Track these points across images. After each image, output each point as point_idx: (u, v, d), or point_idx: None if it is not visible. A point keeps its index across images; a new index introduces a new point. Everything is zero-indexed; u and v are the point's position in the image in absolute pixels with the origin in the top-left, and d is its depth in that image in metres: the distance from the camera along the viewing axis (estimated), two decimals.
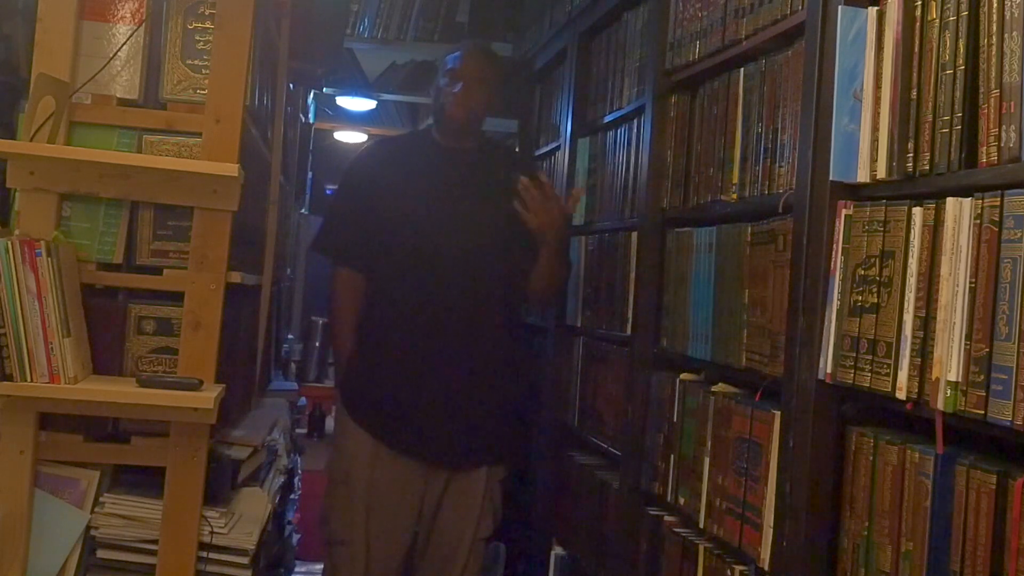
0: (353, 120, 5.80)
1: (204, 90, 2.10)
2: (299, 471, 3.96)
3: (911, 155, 1.46)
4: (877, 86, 1.55)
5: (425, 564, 2.74)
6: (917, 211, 1.42)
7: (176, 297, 2.10)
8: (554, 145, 3.47)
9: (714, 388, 2.08)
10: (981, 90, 1.33)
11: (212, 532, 2.09)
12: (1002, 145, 1.28)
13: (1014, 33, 1.27)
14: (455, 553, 2.71)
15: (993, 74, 1.31)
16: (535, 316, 3.54)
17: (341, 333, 2.79)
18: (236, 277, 2.14)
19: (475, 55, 2.76)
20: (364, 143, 5.59)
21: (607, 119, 2.91)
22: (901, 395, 1.42)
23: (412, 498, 2.67)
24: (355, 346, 2.74)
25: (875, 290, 1.50)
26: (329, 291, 2.81)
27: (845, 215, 1.59)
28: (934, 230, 1.38)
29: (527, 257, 2.68)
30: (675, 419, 2.26)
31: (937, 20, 1.42)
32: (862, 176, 1.58)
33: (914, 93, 1.46)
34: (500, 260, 2.69)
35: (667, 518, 2.28)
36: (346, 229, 2.76)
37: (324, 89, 4.56)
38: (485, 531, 2.75)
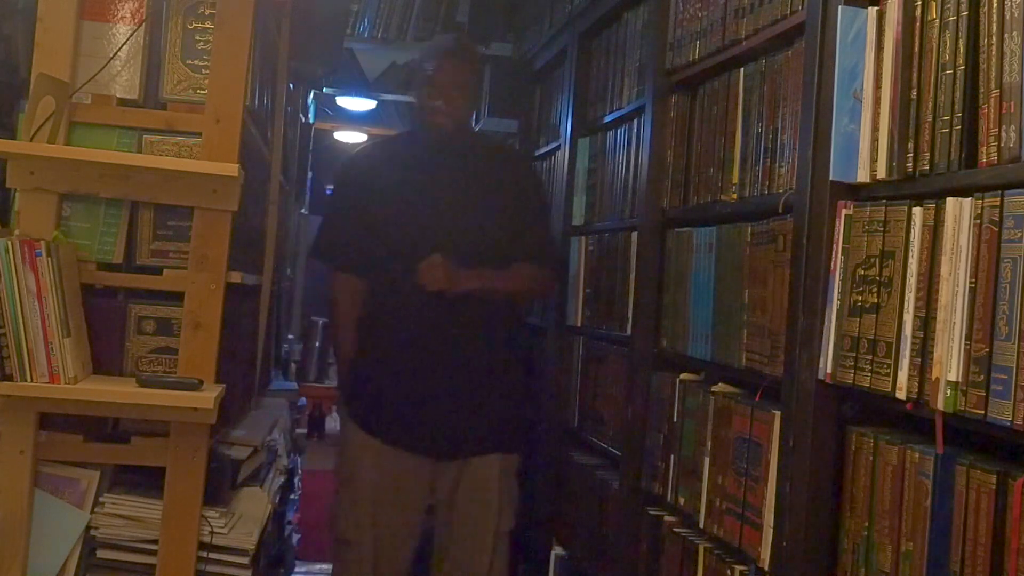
0: (353, 120, 5.81)
1: (204, 90, 2.10)
2: (299, 471, 3.97)
3: (911, 155, 1.46)
4: (877, 86, 1.55)
5: (449, 564, 2.69)
6: (917, 211, 1.42)
7: (176, 297, 2.09)
8: (554, 145, 3.47)
9: (714, 388, 2.08)
10: (981, 90, 1.33)
11: (212, 532, 2.09)
12: (1002, 145, 1.28)
13: (1014, 33, 1.27)
14: (480, 547, 2.65)
15: (993, 74, 1.31)
16: (535, 316, 3.54)
17: (342, 337, 2.78)
18: (236, 277, 2.14)
19: (451, 61, 2.64)
20: (364, 143, 5.60)
21: (607, 119, 2.91)
22: (901, 395, 1.42)
23: (419, 496, 2.65)
24: (355, 348, 2.74)
25: (875, 290, 1.50)
26: (329, 296, 2.80)
27: (845, 215, 1.59)
28: (934, 230, 1.38)
29: (520, 248, 2.68)
30: (675, 419, 2.26)
31: (937, 20, 1.42)
32: (862, 176, 1.58)
33: (914, 93, 1.46)
34: (494, 253, 2.66)
35: (667, 518, 2.28)
36: (342, 234, 2.75)
37: (324, 89, 4.57)
38: (507, 524, 2.67)
